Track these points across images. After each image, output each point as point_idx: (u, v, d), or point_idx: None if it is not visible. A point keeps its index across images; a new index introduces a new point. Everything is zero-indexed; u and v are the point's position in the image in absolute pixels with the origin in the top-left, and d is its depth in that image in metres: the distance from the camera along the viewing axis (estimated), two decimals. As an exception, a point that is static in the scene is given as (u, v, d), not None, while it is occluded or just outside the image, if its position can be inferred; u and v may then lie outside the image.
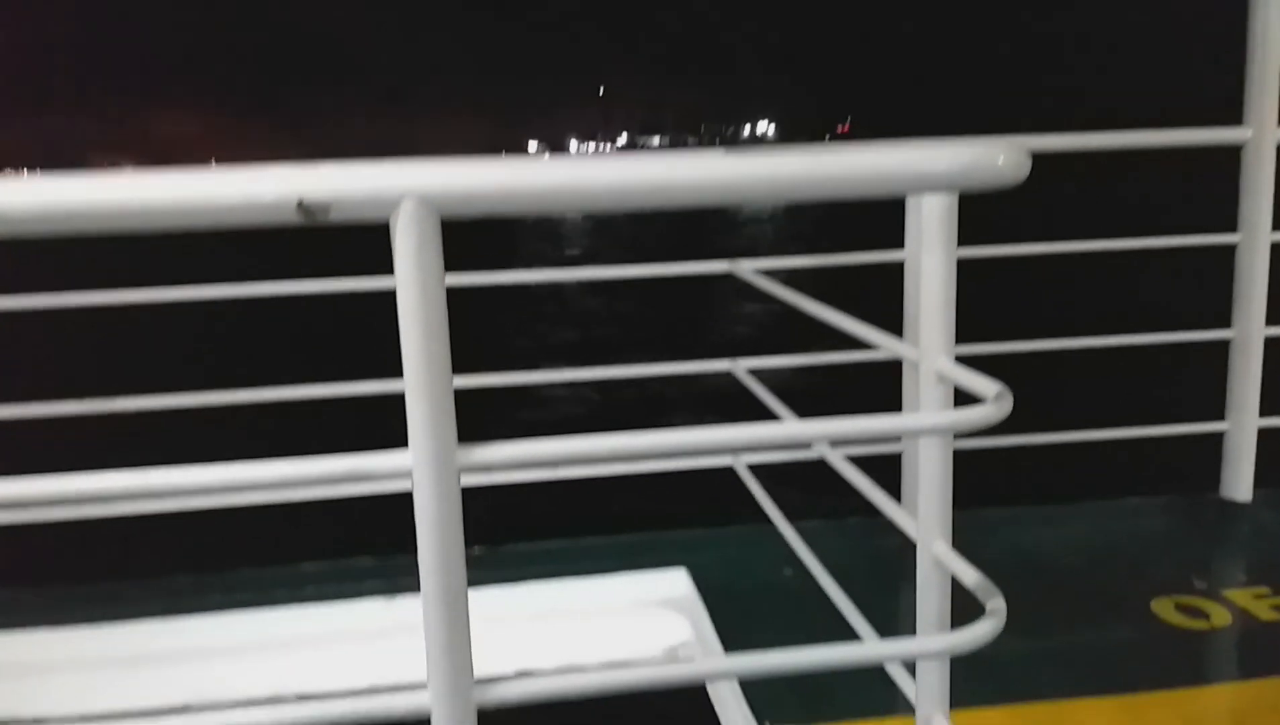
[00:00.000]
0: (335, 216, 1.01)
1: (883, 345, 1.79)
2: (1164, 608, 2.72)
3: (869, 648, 2.00)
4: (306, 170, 1.01)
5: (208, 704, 1.23)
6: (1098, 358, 3.61)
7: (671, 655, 2.96)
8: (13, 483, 1.07)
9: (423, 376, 1.06)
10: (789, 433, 1.28)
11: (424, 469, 1.08)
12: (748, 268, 2.79)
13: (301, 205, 1.00)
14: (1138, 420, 3.41)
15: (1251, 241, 3.29)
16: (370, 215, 1.04)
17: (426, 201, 1.02)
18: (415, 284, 1.04)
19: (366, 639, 2.91)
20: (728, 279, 3.10)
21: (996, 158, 1.11)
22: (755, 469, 3.24)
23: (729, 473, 3.30)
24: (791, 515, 2.98)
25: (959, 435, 1.51)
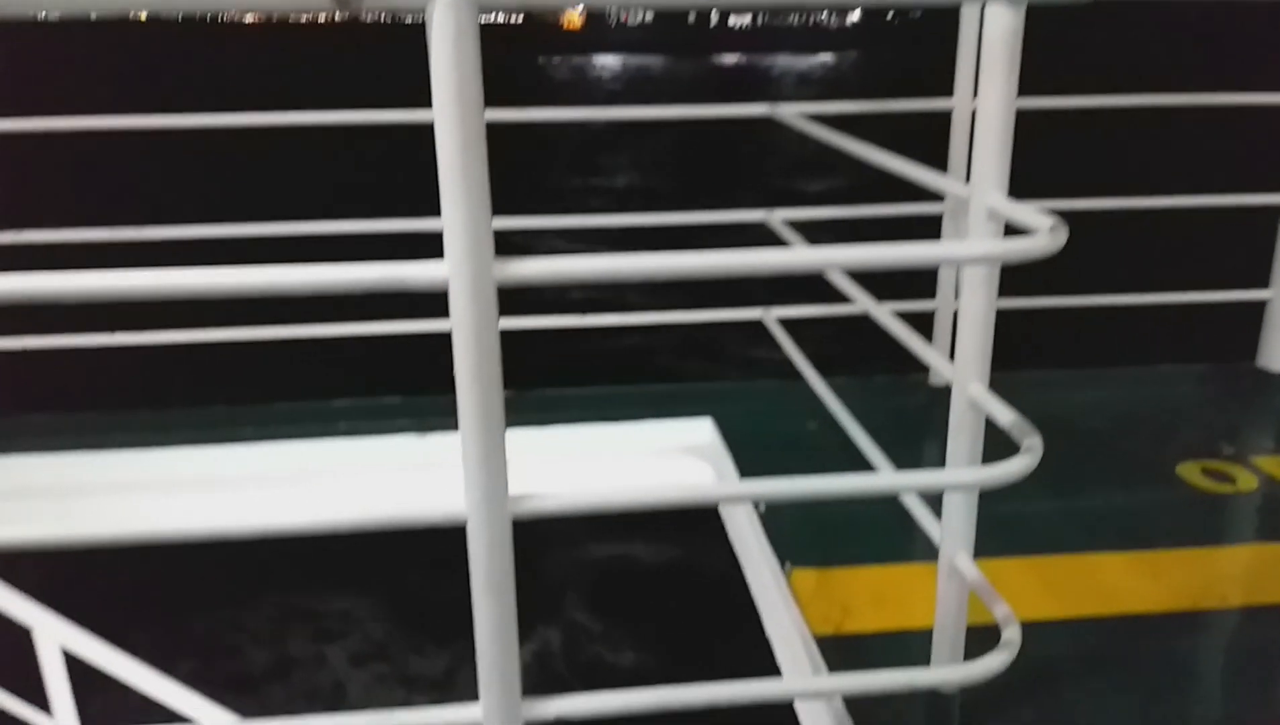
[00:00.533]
0: (370, 4, 0.97)
1: (930, 183, 1.73)
2: (1190, 471, 2.72)
3: (897, 478, 2.01)
4: None
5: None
6: (1141, 220, 3.51)
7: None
8: (34, 278, 1.05)
9: (459, 180, 1.03)
10: (827, 257, 1.24)
11: (461, 277, 1.06)
12: (789, 110, 2.69)
13: None
14: (1178, 286, 3.34)
15: None
16: (405, 5, 0.99)
17: None
18: (451, 84, 1.00)
19: (397, 472, 2.98)
20: (767, 126, 3.01)
21: None
22: (785, 325, 3.22)
23: (763, 328, 3.29)
24: (818, 371, 2.98)
25: (1014, 279, 1.48)
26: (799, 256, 1.24)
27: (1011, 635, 1.52)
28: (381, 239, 3.02)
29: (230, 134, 3.14)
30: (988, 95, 1.38)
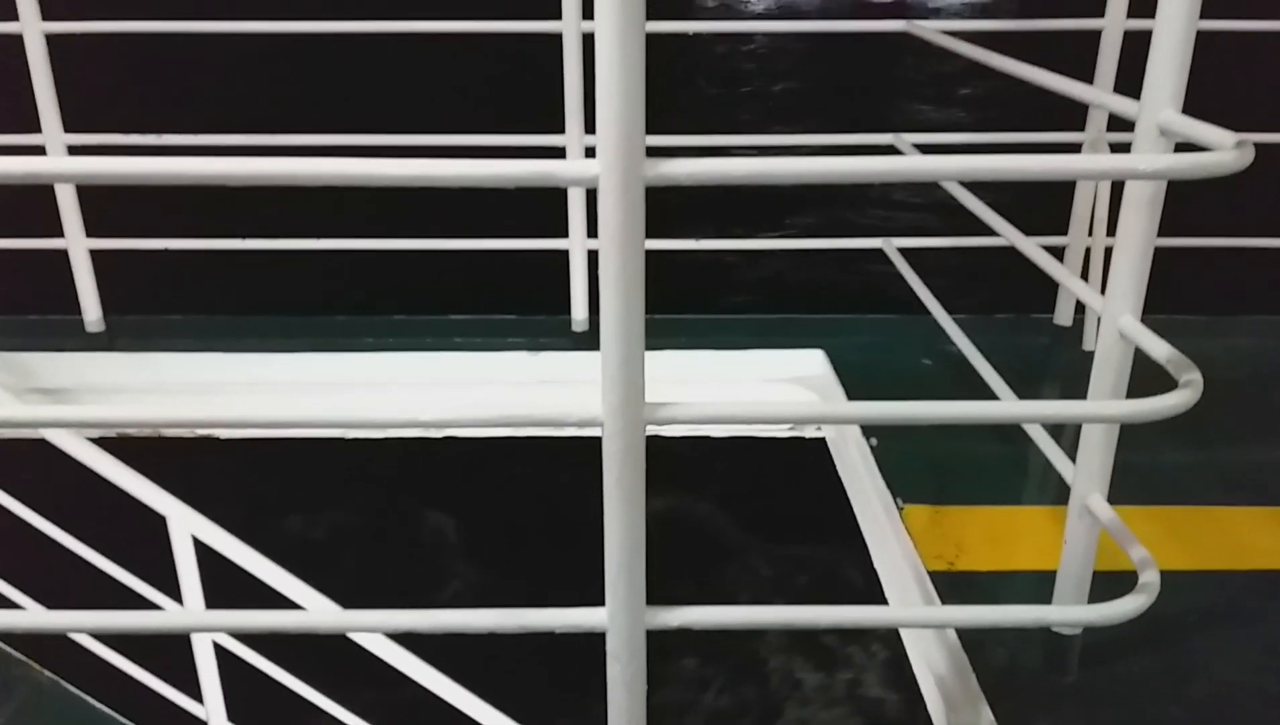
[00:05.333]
0: None
1: (1089, 99, 1.64)
2: None
3: (1037, 407, 1.94)
4: None
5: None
6: None
7: (799, 431, 2.98)
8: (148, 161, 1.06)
9: (618, 75, 1.01)
10: (980, 165, 1.17)
11: (613, 173, 1.05)
12: (927, 26, 2.58)
13: None
14: None
15: None
16: None
17: None
18: None
19: (510, 386, 3.02)
20: (901, 42, 2.90)
21: None
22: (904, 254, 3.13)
23: (878, 264, 3.20)
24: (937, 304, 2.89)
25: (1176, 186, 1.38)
26: (946, 164, 1.18)
27: (1150, 579, 1.46)
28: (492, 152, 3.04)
29: (343, 43, 3.19)
30: (1168, 3, 1.28)
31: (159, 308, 3.30)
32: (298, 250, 3.20)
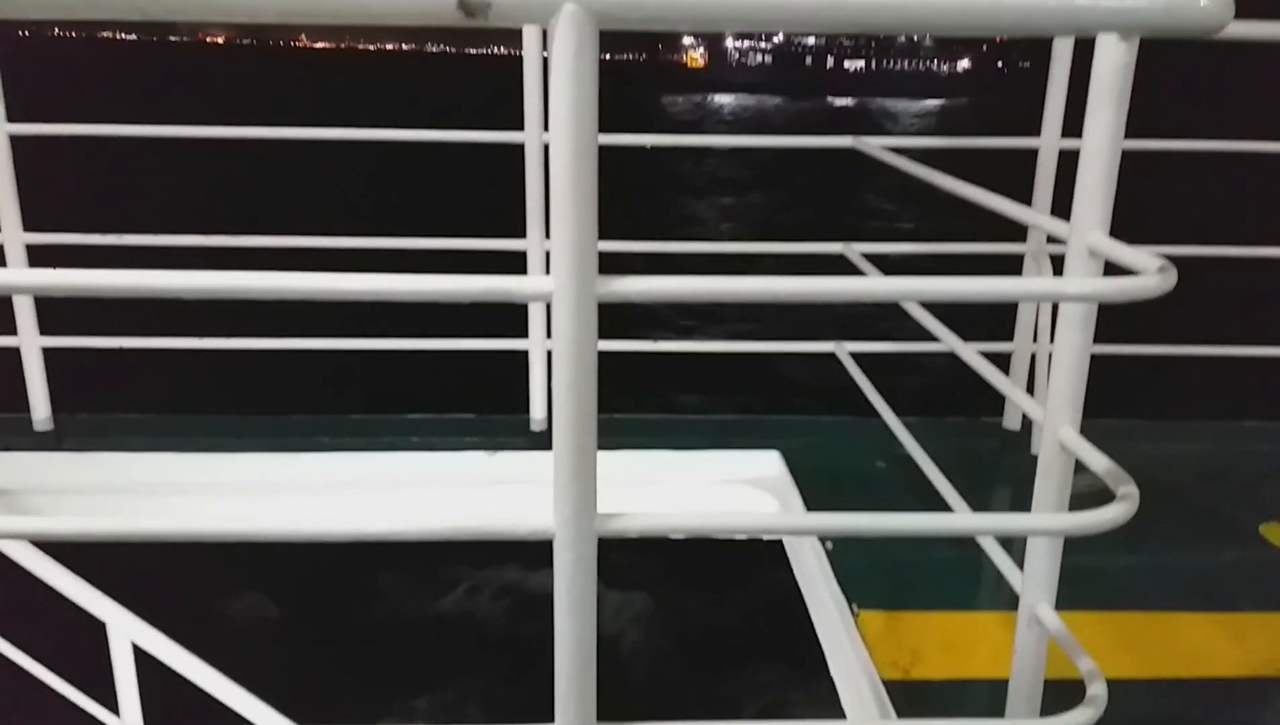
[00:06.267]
0: (494, 16, 0.98)
1: (1027, 220, 1.71)
2: (1274, 533, 2.63)
3: (981, 519, 1.96)
4: None
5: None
6: (1230, 268, 3.42)
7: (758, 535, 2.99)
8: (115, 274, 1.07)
9: (570, 193, 1.04)
10: (919, 288, 1.22)
11: (565, 291, 1.07)
12: (873, 143, 2.68)
13: (463, 2, 0.97)
14: (1266, 340, 3.25)
15: None
16: (530, 17, 1.01)
17: (586, 5, 0.99)
18: (570, 93, 1.01)
19: (466, 487, 3.00)
20: (850, 158, 3.01)
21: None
22: (856, 359, 3.20)
23: (831, 366, 3.26)
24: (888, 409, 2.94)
25: (1098, 324, 1.44)
26: (891, 285, 1.22)
27: (1097, 691, 1.46)
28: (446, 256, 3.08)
29: (308, 149, 3.24)
30: (1094, 130, 1.35)
31: (109, 405, 3.25)
32: (253, 349, 3.19)
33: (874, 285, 1.20)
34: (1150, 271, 1.21)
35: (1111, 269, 1.34)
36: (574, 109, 1.01)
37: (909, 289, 1.19)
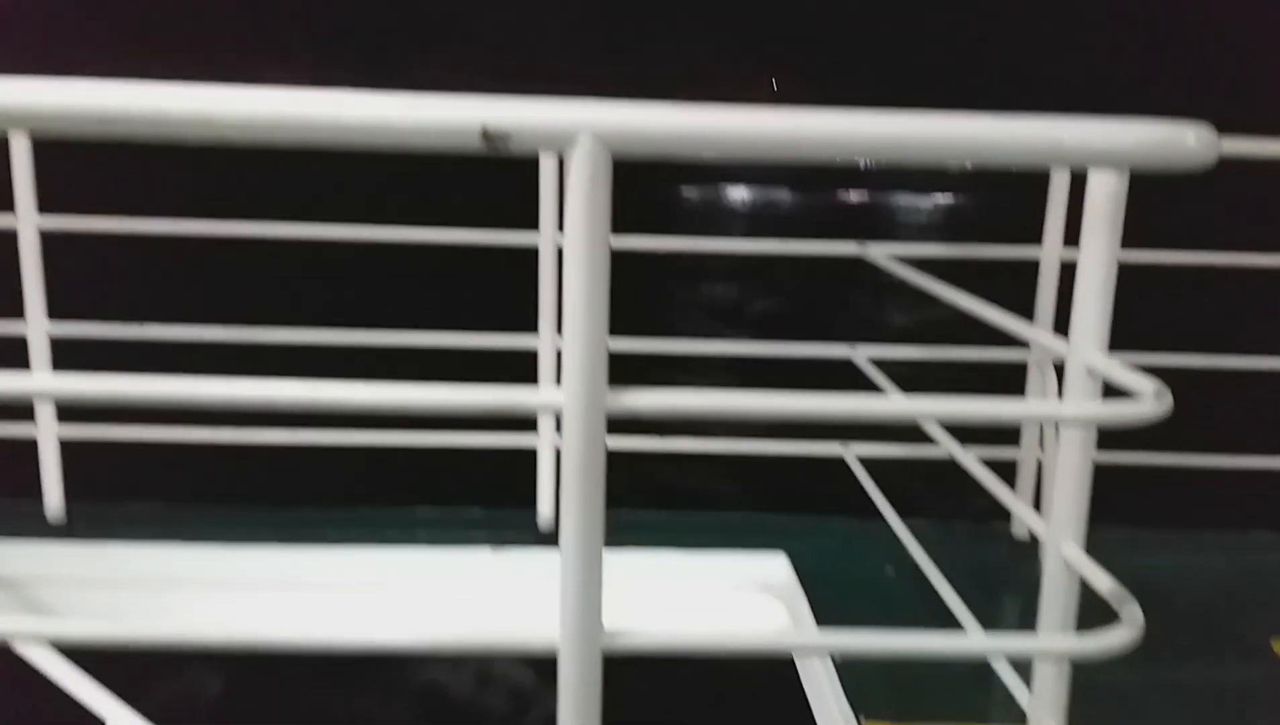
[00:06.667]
0: (514, 146, 1.04)
1: (1028, 337, 1.74)
2: None
3: (987, 641, 1.95)
4: (490, 100, 1.04)
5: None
6: (1238, 380, 3.43)
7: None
8: (105, 379, 1.10)
9: (583, 313, 1.08)
10: (921, 409, 1.25)
11: (574, 407, 1.10)
12: (879, 251, 2.74)
13: (485, 132, 1.02)
14: (1273, 449, 3.25)
15: None
16: (548, 147, 1.06)
17: (602, 138, 1.04)
18: (584, 220, 1.06)
19: (472, 584, 2.99)
20: (858, 266, 3.07)
21: (1187, 137, 1.07)
22: (864, 463, 3.20)
23: (838, 463, 3.27)
24: (896, 513, 2.94)
25: (1103, 435, 1.46)
26: (894, 405, 1.25)
27: None
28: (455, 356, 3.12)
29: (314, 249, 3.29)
30: (1089, 253, 1.39)
31: (120, 495, 3.27)
32: (264, 443, 3.22)
33: (878, 405, 1.23)
34: (1147, 395, 1.23)
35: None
36: (588, 231, 1.06)
37: (913, 410, 1.22)
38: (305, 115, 1.04)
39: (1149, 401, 1.22)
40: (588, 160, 1.05)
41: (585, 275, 1.07)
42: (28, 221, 2.88)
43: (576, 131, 1.04)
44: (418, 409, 1.12)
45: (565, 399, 1.10)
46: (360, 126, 1.04)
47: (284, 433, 3.22)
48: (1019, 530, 3.18)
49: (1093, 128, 1.07)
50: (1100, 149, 1.09)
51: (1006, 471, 3.02)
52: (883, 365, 3.03)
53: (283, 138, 1.05)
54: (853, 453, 3.20)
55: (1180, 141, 1.07)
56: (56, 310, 3.01)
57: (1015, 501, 2.10)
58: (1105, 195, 1.35)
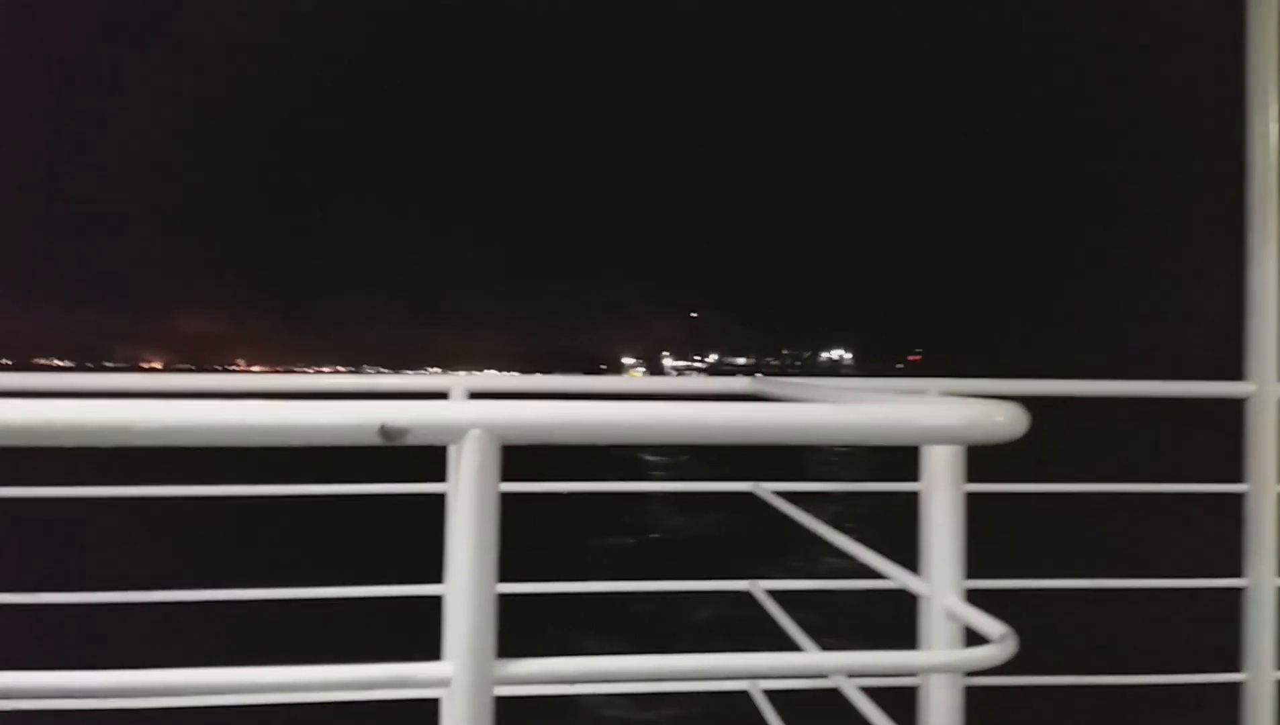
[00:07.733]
0: (410, 439, 1.15)
1: (894, 577, 1.87)
2: None
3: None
4: (386, 403, 1.15)
5: None
6: (1117, 598, 3.60)
7: None
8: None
9: (469, 590, 1.15)
10: (802, 663, 1.34)
11: (462, 680, 1.15)
12: (768, 489, 2.89)
13: (384, 429, 1.13)
14: (1153, 666, 3.38)
15: (1260, 492, 3.34)
16: (442, 440, 1.17)
17: (492, 431, 1.16)
18: (472, 505, 1.16)
19: None
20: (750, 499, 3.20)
21: (996, 416, 1.23)
22: (770, 693, 3.22)
23: (743, 695, 3.28)
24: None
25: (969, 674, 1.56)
26: (778, 660, 1.33)
27: None
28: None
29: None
30: (936, 508, 1.54)
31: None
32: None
33: (779, 661, 1.30)
34: (995, 639, 1.35)
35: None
36: (475, 520, 1.16)
37: (820, 664, 1.31)
38: (213, 422, 1.10)
39: (996, 646, 1.33)
40: (478, 451, 1.16)
41: (472, 558, 1.15)
42: None
43: (470, 426, 1.16)
44: (302, 695, 1.16)
45: (452, 672, 1.15)
46: (268, 429, 1.13)
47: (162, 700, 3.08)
48: None
49: (914, 410, 1.24)
50: (922, 427, 1.25)
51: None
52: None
53: (191, 442, 1.11)
54: (758, 687, 3.22)
55: (989, 419, 1.23)
56: None
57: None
58: (945, 459, 1.52)
